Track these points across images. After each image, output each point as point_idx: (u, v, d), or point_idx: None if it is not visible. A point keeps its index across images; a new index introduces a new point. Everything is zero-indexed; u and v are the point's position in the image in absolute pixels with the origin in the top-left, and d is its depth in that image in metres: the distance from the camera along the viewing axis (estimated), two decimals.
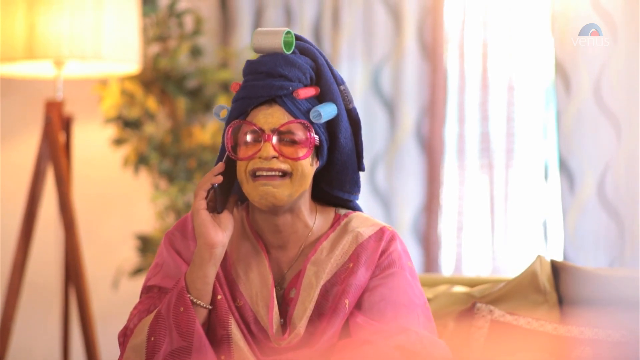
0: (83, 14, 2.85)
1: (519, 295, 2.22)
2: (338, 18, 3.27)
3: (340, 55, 3.26)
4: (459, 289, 2.31)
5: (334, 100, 1.75)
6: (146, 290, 1.79)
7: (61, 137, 3.01)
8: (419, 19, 3.22)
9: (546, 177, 3.03)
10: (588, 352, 2.03)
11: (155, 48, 3.37)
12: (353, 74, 3.26)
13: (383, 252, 1.77)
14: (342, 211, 1.83)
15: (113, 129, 3.38)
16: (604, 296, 2.18)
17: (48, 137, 2.98)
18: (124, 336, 1.74)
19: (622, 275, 2.26)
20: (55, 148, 2.97)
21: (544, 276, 2.23)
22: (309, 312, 1.72)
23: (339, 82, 1.78)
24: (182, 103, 3.26)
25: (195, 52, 3.33)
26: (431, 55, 3.22)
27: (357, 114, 1.79)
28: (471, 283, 2.36)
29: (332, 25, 3.30)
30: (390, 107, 3.26)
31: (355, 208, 1.85)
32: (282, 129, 1.69)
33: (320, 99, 1.76)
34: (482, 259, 3.13)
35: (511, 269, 3.04)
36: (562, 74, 2.92)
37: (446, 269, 3.21)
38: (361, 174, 3.37)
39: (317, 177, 1.80)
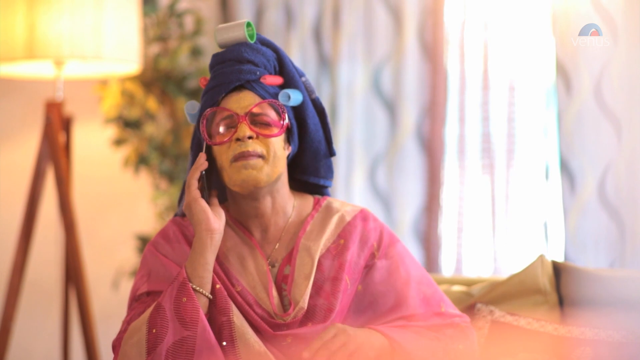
0: (83, 14, 2.85)
1: (519, 295, 2.22)
2: (338, 18, 3.27)
3: (340, 55, 3.26)
4: (458, 288, 2.31)
5: (298, 89, 1.83)
6: (136, 300, 1.80)
7: (61, 138, 3.00)
8: (420, 20, 3.21)
9: (547, 178, 3.02)
10: (589, 353, 2.03)
11: (155, 48, 3.37)
12: (353, 75, 3.26)
13: (381, 233, 1.86)
14: (319, 196, 1.92)
15: (113, 129, 3.38)
16: (605, 297, 2.18)
17: (48, 137, 2.98)
18: (118, 340, 1.74)
19: (623, 276, 2.26)
20: (55, 148, 2.97)
21: (545, 276, 2.23)
22: (309, 287, 1.77)
23: (300, 73, 1.86)
24: (182, 103, 3.26)
25: (196, 52, 3.33)
26: (432, 56, 3.22)
27: (320, 103, 1.87)
28: (472, 284, 2.36)
29: (332, 26, 3.29)
30: (391, 108, 3.25)
31: (329, 195, 1.94)
32: (254, 110, 1.76)
33: (284, 88, 1.83)
34: (482, 259, 3.13)
35: (512, 270, 3.03)
36: (563, 75, 2.91)
37: (447, 269, 3.20)
38: (362, 174, 3.38)
39: (292, 166, 1.88)
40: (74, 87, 3.39)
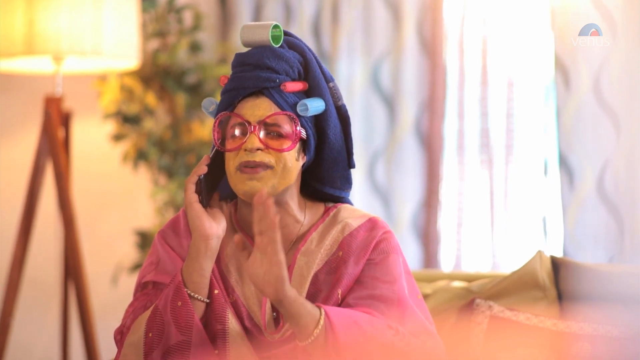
0: (82, 9, 2.85)
1: (518, 291, 2.22)
2: (337, 14, 3.27)
3: (339, 51, 3.26)
4: (457, 284, 2.31)
5: (322, 96, 1.75)
6: (141, 287, 1.79)
7: (60, 133, 3.00)
8: (419, 15, 3.21)
9: (546, 173, 3.03)
10: (587, 348, 2.04)
11: (154, 44, 3.37)
12: (352, 70, 3.26)
13: (379, 242, 1.75)
14: (331, 204, 1.83)
15: (112, 124, 3.38)
16: (604, 292, 2.18)
17: (47, 132, 2.98)
18: (121, 334, 1.74)
19: (622, 271, 2.26)
20: (54, 144, 2.97)
21: (544, 272, 2.23)
22: None
23: (328, 79, 1.78)
24: (181, 99, 3.26)
25: (195, 47, 3.33)
26: (431, 51, 3.22)
27: (346, 111, 1.79)
28: (471, 279, 2.36)
29: (331, 21, 3.29)
30: (390, 103, 3.26)
31: (346, 202, 1.85)
32: (268, 120, 1.70)
33: (308, 94, 1.76)
34: (481, 255, 3.13)
35: (511, 265, 3.04)
36: (562, 70, 2.92)
37: (446, 264, 3.21)
38: (360, 169, 3.38)
39: (308, 174, 1.80)
40: (73, 83, 3.38)
